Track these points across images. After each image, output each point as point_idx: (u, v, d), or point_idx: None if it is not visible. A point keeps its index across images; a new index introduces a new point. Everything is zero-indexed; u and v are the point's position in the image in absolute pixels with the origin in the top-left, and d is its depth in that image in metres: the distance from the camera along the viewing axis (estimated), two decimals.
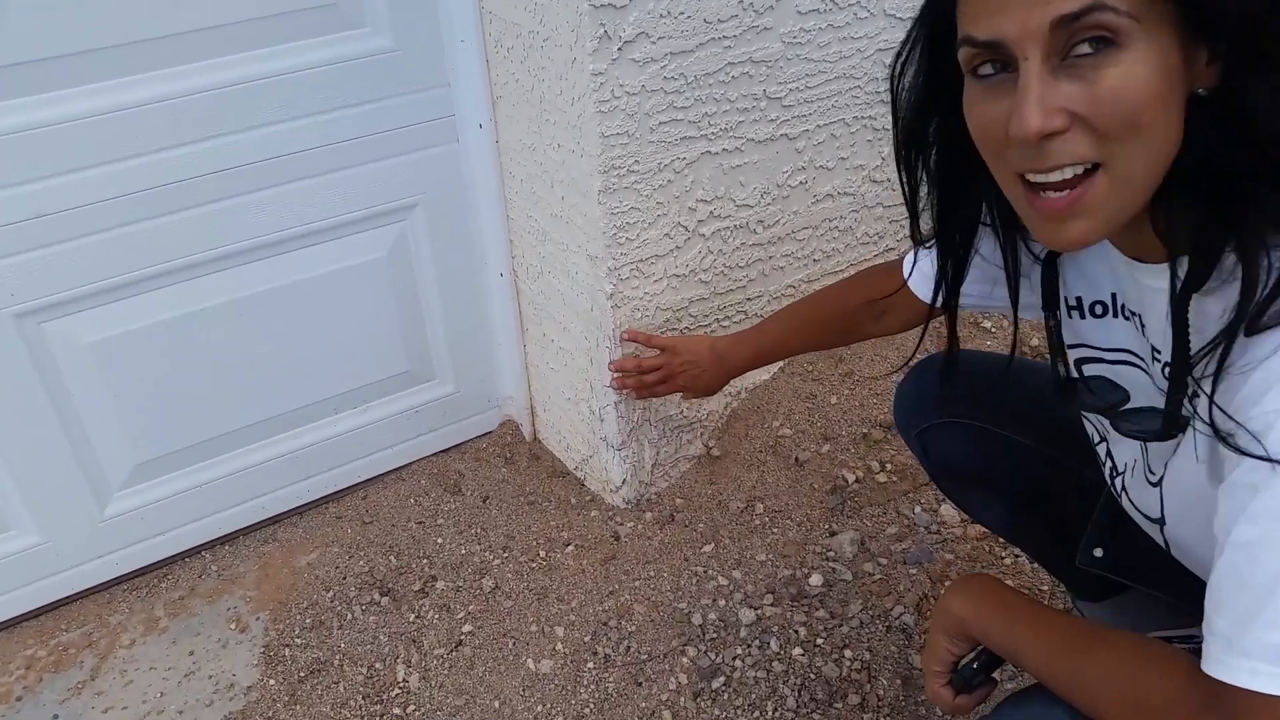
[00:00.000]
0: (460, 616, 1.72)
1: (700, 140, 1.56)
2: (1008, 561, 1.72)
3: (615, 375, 1.68)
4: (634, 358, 1.67)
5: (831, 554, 1.76)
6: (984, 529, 1.76)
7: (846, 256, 1.93)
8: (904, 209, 1.93)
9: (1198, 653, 0.77)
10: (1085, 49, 0.71)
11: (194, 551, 1.87)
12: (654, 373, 1.63)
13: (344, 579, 1.81)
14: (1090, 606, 1.38)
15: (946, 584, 1.68)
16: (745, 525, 1.83)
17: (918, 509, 1.82)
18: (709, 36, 1.47)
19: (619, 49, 1.39)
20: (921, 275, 1.24)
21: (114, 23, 1.39)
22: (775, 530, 1.82)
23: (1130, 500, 1.04)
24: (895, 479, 1.86)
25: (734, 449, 1.94)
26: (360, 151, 1.65)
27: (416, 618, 1.73)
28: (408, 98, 1.64)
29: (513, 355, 1.98)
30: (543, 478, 2.01)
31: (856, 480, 1.86)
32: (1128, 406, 0.97)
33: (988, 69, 0.77)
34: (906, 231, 2.03)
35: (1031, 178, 0.77)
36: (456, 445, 2.07)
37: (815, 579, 1.72)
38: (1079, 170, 0.75)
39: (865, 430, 1.92)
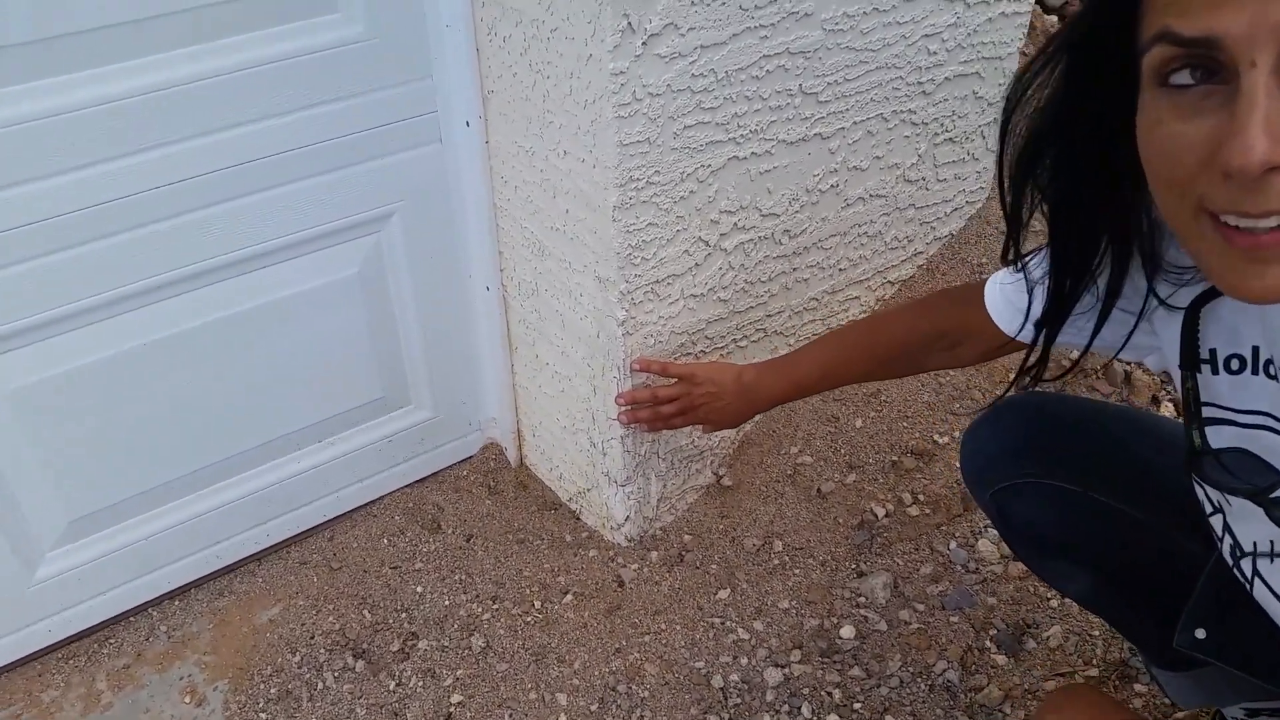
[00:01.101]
0: (448, 683, 1.52)
1: (728, 144, 1.35)
2: (1054, 604, 1.57)
3: (624, 409, 1.48)
4: (647, 388, 1.46)
5: (862, 599, 1.59)
6: (1027, 568, 1.60)
7: (873, 264, 1.74)
8: (935, 210, 1.76)
9: None
10: None
11: (140, 610, 1.64)
12: (670, 404, 1.44)
13: (312, 638, 1.59)
14: (1168, 676, 1.23)
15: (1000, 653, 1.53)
16: (763, 566, 1.65)
17: (953, 544, 1.65)
18: (744, 26, 1.25)
19: (644, 43, 1.17)
20: (1008, 304, 1.06)
21: (28, 15, 1.12)
22: (797, 571, 1.64)
23: (1273, 593, 0.88)
24: (928, 512, 1.69)
25: (747, 478, 1.75)
26: (328, 157, 1.41)
27: (397, 685, 1.52)
28: (384, 93, 1.40)
29: (498, 375, 1.76)
30: (532, 511, 1.80)
31: (886, 514, 1.69)
32: None
33: (1184, 77, 0.59)
34: (936, 234, 1.85)
35: (1230, 219, 0.60)
36: (434, 474, 1.86)
37: (847, 630, 1.55)
38: None
39: (895, 458, 1.74)
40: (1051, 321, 0.90)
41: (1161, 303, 0.85)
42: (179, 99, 1.26)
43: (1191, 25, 0.57)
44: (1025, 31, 1.72)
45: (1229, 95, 0.57)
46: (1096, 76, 0.69)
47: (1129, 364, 1.84)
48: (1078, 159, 0.76)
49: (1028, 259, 0.93)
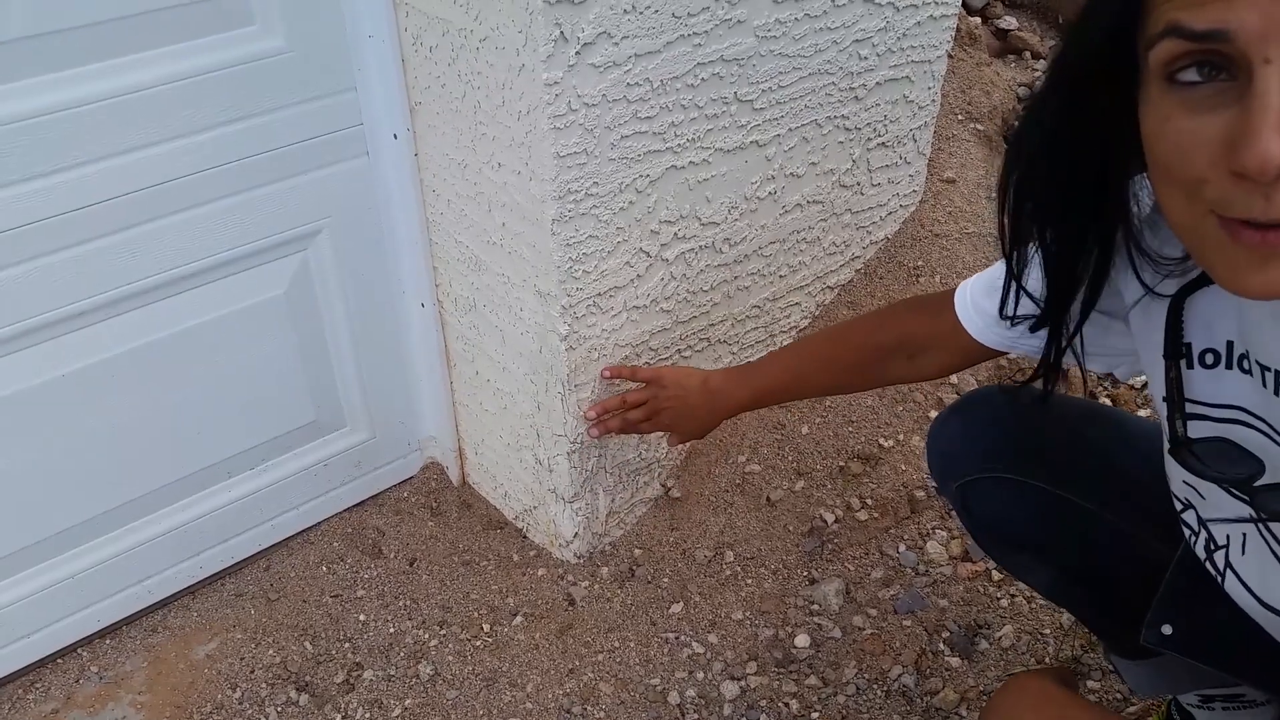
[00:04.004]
0: (396, 714, 1.47)
1: (666, 154, 1.33)
2: (1004, 603, 1.57)
3: (592, 422, 1.44)
4: (617, 395, 1.44)
5: (816, 607, 1.58)
6: (976, 569, 1.61)
7: (812, 269, 1.73)
8: (870, 214, 1.76)
9: None
10: None
11: (69, 650, 1.56)
12: (638, 408, 1.41)
13: (252, 673, 1.53)
14: (1127, 664, 1.24)
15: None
16: (715, 577, 1.63)
17: (902, 547, 1.65)
18: (678, 34, 1.23)
19: (577, 53, 1.15)
20: (978, 310, 1.05)
21: None
22: (749, 581, 1.63)
23: (1242, 582, 0.88)
24: (876, 516, 1.68)
25: (696, 489, 1.73)
26: (250, 173, 1.35)
27: (343, 718, 1.47)
28: (306, 106, 1.35)
29: (437, 393, 1.72)
30: (477, 531, 1.76)
31: (835, 520, 1.68)
32: (1265, 482, 0.80)
33: (1192, 74, 0.57)
34: (872, 239, 1.85)
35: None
36: (373, 496, 1.80)
37: (801, 639, 1.54)
38: None
39: (842, 463, 1.73)
40: (1053, 324, 0.88)
41: (1150, 291, 0.84)
42: (92, 117, 1.20)
43: (1202, 19, 0.55)
44: (952, 34, 1.72)
45: (1240, 92, 0.55)
46: (1093, 75, 0.67)
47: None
48: (1071, 162, 0.73)
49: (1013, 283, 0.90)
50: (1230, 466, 0.80)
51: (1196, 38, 0.55)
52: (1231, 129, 0.56)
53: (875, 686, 1.47)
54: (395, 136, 1.43)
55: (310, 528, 1.75)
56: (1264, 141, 0.53)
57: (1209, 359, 0.81)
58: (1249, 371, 0.77)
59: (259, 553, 1.70)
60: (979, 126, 2.19)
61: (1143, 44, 0.60)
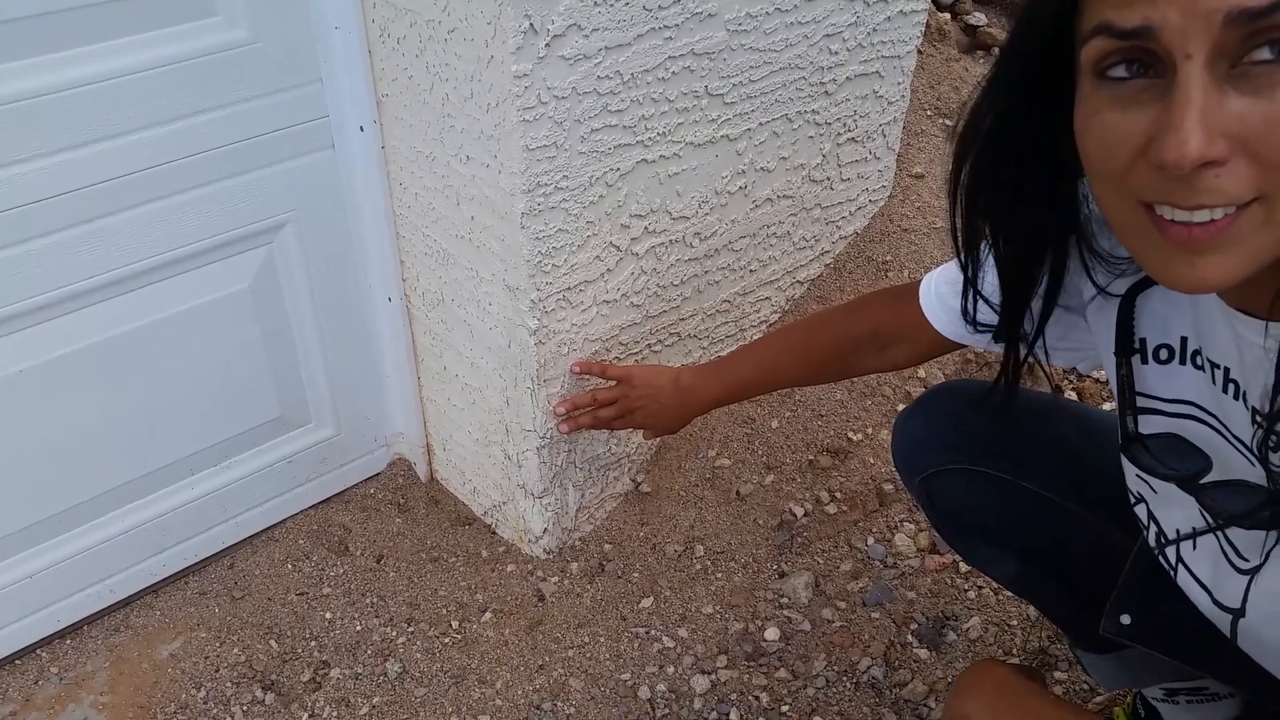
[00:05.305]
0: (363, 712, 1.46)
1: (636, 147, 1.32)
2: (971, 595, 1.58)
3: (563, 418, 1.44)
4: (587, 392, 1.44)
5: (785, 600, 1.58)
6: (943, 561, 1.62)
7: (783, 264, 1.73)
8: (840, 209, 1.76)
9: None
10: (1265, 54, 0.54)
11: (27, 651, 1.53)
12: (609, 406, 1.41)
13: (217, 672, 1.51)
14: (1092, 658, 1.25)
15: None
16: (685, 572, 1.63)
17: (870, 540, 1.66)
18: (649, 26, 1.23)
19: (547, 45, 1.14)
20: (943, 304, 1.06)
21: None
22: (719, 575, 1.63)
23: (1193, 577, 0.89)
24: (845, 509, 1.69)
25: (666, 484, 1.73)
26: (214, 166, 1.33)
27: (310, 717, 1.46)
28: (271, 99, 1.33)
29: (404, 388, 1.70)
30: (445, 527, 1.74)
31: (805, 514, 1.68)
32: (1212, 479, 0.81)
33: (1120, 70, 0.59)
34: (841, 233, 1.85)
35: (1165, 212, 0.60)
36: (339, 493, 1.78)
37: (771, 632, 1.54)
38: (1230, 211, 0.58)
39: (811, 457, 1.73)
40: (1009, 330, 0.88)
41: (1101, 291, 0.85)
42: (50, 109, 1.17)
43: (1129, 17, 0.57)
44: (922, 30, 1.73)
45: (1165, 88, 0.57)
46: (1036, 74, 0.68)
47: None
48: (1018, 161, 0.74)
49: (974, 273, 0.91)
50: (1179, 463, 0.81)
51: (1125, 35, 0.57)
52: (1155, 123, 0.58)
53: (844, 679, 1.48)
54: (362, 129, 1.42)
55: (275, 525, 1.72)
56: (1183, 134, 0.55)
57: (1163, 354, 0.82)
58: (1201, 367, 0.79)
59: (223, 550, 1.68)
60: (948, 122, 2.20)
61: (1078, 41, 0.62)
